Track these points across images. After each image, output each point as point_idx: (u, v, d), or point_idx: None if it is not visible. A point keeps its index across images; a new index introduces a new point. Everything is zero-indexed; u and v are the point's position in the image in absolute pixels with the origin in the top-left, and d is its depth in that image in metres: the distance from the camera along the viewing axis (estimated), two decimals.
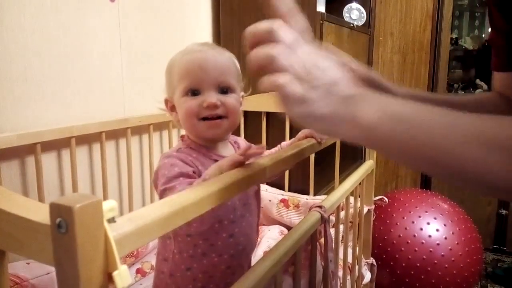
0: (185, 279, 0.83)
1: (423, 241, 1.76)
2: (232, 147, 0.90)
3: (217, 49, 0.83)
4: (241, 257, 0.87)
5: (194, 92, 0.78)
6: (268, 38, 0.45)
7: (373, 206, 1.60)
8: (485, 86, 2.66)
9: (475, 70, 2.74)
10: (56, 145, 1.24)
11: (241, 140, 0.97)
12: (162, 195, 0.74)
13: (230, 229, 0.83)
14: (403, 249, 1.78)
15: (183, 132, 1.72)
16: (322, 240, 0.99)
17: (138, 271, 1.35)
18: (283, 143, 1.09)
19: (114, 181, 1.46)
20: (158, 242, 0.90)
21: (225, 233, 0.82)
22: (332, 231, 1.06)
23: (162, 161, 0.78)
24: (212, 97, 0.77)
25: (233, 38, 1.85)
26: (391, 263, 1.79)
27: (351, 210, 1.36)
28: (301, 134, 0.98)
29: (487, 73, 2.64)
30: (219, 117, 0.79)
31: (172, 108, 0.85)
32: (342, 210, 1.26)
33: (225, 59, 0.81)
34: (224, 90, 0.80)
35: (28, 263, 1.07)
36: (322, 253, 0.99)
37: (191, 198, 0.51)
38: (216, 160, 0.78)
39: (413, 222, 1.81)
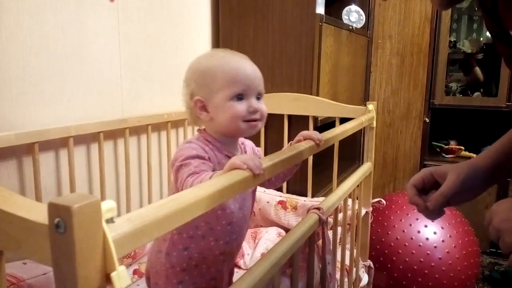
0: (180, 258, 0.91)
1: (421, 243, 1.77)
2: (239, 148, 0.99)
3: (248, 59, 0.95)
4: (233, 246, 0.96)
5: (239, 97, 0.88)
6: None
7: (370, 208, 1.60)
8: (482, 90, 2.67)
9: (473, 73, 2.74)
10: (54, 144, 1.24)
11: (248, 143, 1.04)
12: (177, 170, 0.83)
13: (229, 218, 0.92)
14: (400, 251, 1.78)
15: (179, 134, 1.71)
16: (320, 242, 0.99)
17: (135, 272, 1.35)
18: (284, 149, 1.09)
19: (112, 182, 1.46)
20: None
21: (225, 221, 0.91)
22: (330, 233, 1.06)
23: (183, 145, 0.90)
24: (255, 103, 0.90)
25: (231, 37, 1.85)
26: (389, 265, 1.79)
27: (349, 212, 1.36)
28: (299, 136, 0.98)
29: (485, 76, 2.65)
30: (255, 119, 0.91)
31: (202, 108, 0.91)
32: (340, 212, 1.26)
33: (258, 69, 0.94)
34: (259, 97, 0.93)
35: (24, 263, 1.07)
36: (320, 255, 1.00)
37: (190, 199, 0.51)
38: (226, 155, 0.91)
39: (410, 225, 1.81)
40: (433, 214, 0.75)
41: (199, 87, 0.91)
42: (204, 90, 0.90)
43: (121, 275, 0.38)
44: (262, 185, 0.97)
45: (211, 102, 0.90)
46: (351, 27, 2.12)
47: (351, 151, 2.57)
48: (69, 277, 0.36)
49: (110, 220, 0.39)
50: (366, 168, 1.48)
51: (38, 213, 0.38)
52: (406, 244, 1.78)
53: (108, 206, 0.38)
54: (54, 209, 0.35)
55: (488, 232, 0.61)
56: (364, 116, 1.47)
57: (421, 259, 1.74)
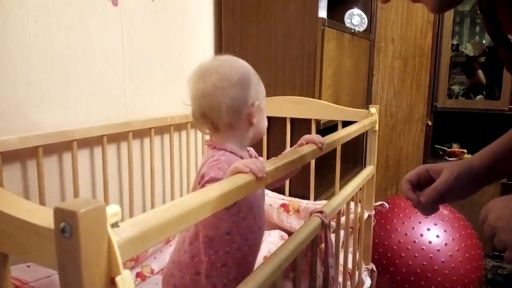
0: (220, 275, 0.90)
1: (423, 247, 1.76)
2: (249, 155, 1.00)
3: None
4: (260, 246, 0.98)
5: None
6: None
7: (373, 212, 1.60)
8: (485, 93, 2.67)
9: (475, 76, 2.74)
10: (58, 148, 1.25)
11: (252, 150, 1.04)
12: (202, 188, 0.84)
13: (259, 222, 0.94)
14: (403, 255, 1.78)
15: (182, 137, 1.71)
16: (323, 245, 0.99)
17: (138, 275, 1.35)
18: (285, 151, 1.09)
19: (115, 185, 1.47)
20: (187, 245, 0.93)
21: (256, 226, 0.93)
22: (332, 236, 1.07)
23: (212, 161, 0.86)
24: None
25: (234, 41, 1.86)
26: (391, 269, 1.79)
27: (352, 216, 1.36)
28: (301, 140, 0.98)
29: (488, 79, 2.65)
30: None
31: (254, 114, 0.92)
32: (343, 215, 1.26)
33: None
34: None
35: (28, 266, 1.07)
36: (322, 258, 1.00)
37: (193, 203, 0.51)
38: None
39: (413, 228, 1.81)
40: (426, 209, 0.75)
41: (257, 92, 0.91)
42: (259, 95, 0.91)
43: (125, 280, 0.38)
44: None
45: (258, 110, 0.92)
46: (353, 31, 2.12)
47: (353, 154, 2.57)
48: (75, 281, 0.36)
49: (115, 225, 0.39)
50: (368, 171, 1.48)
51: (44, 218, 0.39)
52: (409, 247, 1.78)
53: (113, 210, 0.38)
54: (60, 214, 0.36)
55: (483, 229, 0.61)
56: (366, 119, 1.47)
57: (424, 263, 1.74)
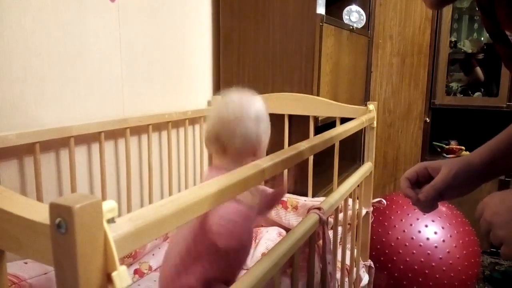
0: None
1: (421, 243, 1.77)
2: None
3: None
4: (242, 266, 1.05)
5: None
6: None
7: (371, 208, 1.60)
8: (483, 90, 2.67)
9: (473, 73, 2.75)
10: (55, 145, 1.24)
11: None
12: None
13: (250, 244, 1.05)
14: (401, 251, 1.78)
15: (180, 134, 1.70)
16: (321, 242, 0.99)
17: (136, 271, 1.35)
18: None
19: (113, 181, 1.46)
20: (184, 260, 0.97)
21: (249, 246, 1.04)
22: (330, 233, 1.07)
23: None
24: None
25: (232, 38, 1.85)
26: (389, 265, 1.79)
27: (350, 212, 1.36)
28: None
29: (486, 76, 2.65)
30: None
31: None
32: (341, 212, 1.26)
33: None
34: None
35: (25, 263, 1.07)
36: (320, 255, 1.00)
37: (190, 199, 0.51)
38: None
39: (411, 225, 1.81)
40: (425, 206, 0.76)
41: (267, 130, 1.03)
42: (267, 132, 1.04)
43: (122, 275, 0.38)
44: None
45: (265, 143, 1.04)
46: (351, 27, 2.12)
47: (351, 151, 2.57)
48: (71, 277, 0.36)
49: (111, 220, 0.39)
50: (366, 168, 1.48)
51: (40, 213, 0.38)
52: (407, 244, 1.78)
53: (109, 206, 0.38)
54: (56, 209, 0.35)
55: (479, 224, 0.61)
56: (364, 116, 1.47)
57: (422, 259, 1.74)
